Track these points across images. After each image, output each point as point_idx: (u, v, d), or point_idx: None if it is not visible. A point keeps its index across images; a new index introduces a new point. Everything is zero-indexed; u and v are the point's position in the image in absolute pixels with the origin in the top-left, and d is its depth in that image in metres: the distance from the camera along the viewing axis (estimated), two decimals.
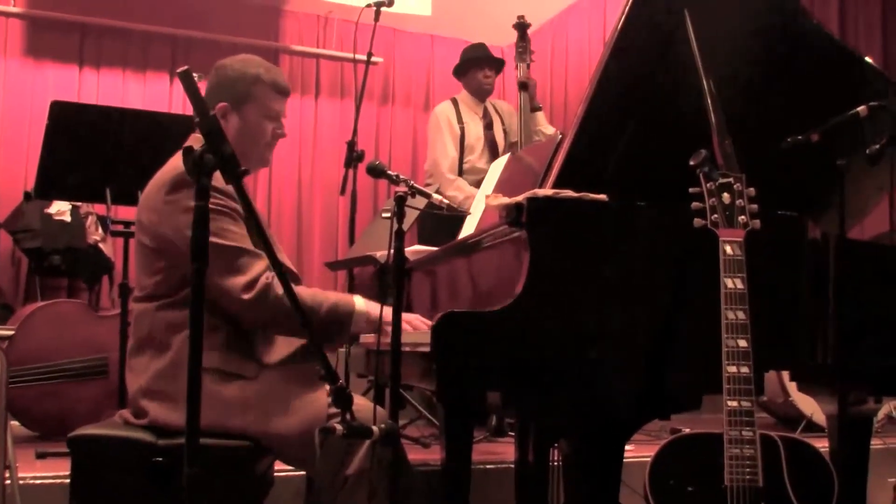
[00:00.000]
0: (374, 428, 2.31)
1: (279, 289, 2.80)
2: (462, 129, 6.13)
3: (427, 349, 2.55)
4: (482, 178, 5.77)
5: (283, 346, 3.00)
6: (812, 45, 3.27)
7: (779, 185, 2.83)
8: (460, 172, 6.08)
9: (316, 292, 2.95)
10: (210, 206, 2.71)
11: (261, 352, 2.93)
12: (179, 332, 2.82)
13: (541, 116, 6.14)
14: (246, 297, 2.79)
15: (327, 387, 2.85)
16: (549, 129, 6.12)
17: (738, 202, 2.59)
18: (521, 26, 6.20)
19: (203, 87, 2.81)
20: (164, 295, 2.89)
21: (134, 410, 2.89)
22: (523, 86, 6.04)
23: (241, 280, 2.80)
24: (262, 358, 2.92)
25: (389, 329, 2.81)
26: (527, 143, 5.92)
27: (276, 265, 2.21)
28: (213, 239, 2.73)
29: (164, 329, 2.87)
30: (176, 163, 2.91)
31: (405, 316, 2.90)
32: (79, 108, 5.13)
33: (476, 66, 6.26)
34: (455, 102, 6.29)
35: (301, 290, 2.87)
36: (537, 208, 2.61)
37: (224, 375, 2.83)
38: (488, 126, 6.20)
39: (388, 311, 2.88)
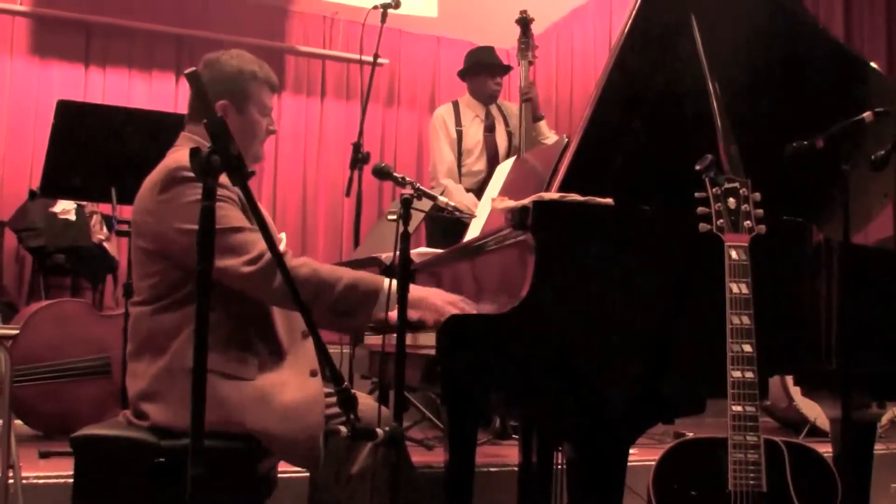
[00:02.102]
0: (379, 430, 2.30)
1: (294, 261, 2.80)
2: (459, 133, 6.11)
3: (432, 352, 2.55)
4: (479, 181, 5.81)
5: (285, 348, 3.00)
6: (817, 50, 3.27)
7: (784, 191, 2.84)
8: (459, 176, 6.07)
9: (336, 268, 2.92)
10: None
11: (260, 353, 2.93)
12: (177, 334, 2.82)
13: (543, 126, 6.13)
14: (247, 270, 2.75)
15: (322, 382, 2.87)
16: (552, 138, 6.10)
17: (744, 207, 2.59)
18: (524, 21, 6.13)
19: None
20: (161, 297, 2.88)
21: (134, 413, 2.89)
22: (527, 98, 6.03)
23: (242, 258, 2.76)
24: (261, 359, 2.92)
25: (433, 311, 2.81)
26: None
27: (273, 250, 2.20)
28: None
29: (162, 332, 2.86)
30: (166, 162, 2.92)
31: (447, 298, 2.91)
32: (84, 108, 5.16)
33: (487, 72, 6.23)
34: (455, 105, 6.27)
35: (322, 266, 2.87)
36: (543, 211, 2.61)
37: (222, 376, 2.82)
38: (489, 128, 6.18)
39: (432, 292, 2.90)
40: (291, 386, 2.86)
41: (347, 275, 2.87)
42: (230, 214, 2.81)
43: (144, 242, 2.91)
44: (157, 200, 2.85)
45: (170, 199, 2.81)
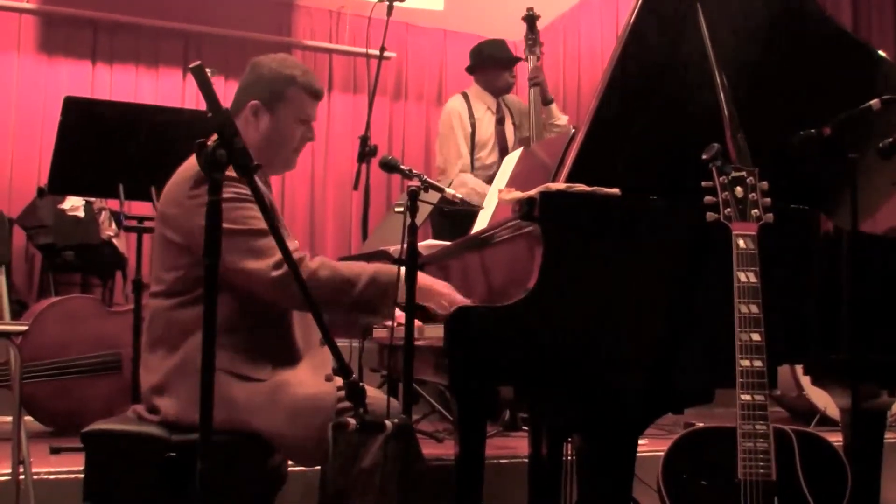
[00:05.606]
0: (388, 422, 2.30)
1: (312, 264, 2.81)
2: (473, 125, 6.09)
3: (440, 343, 2.55)
4: (492, 174, 5.79)
5: (301, 354, 3.00)
6: (823, 38, 3.26)
7: (791, 179, 2.83)
8: (472, 170, 6.05)
9: (353, 265, 2.92)
10: (233, 195, 2.74)
11: (275, 356, 2.93)
12: (193, 331, 2.81)
13: (554, 108, 6.11)
14: (276, 274, 2.74)
15: (337, 384, 2.87)
16: (563, 119, 6.11)
17: (751, 196, 2.59)
18: (531, 18, 6.14)
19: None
20: (182, 292, 2.88)
21: (147, 407, 2.90)
22: (535, 82, 6.02)
23: (269, 261, 2.76)
24: (276, 363, 2.92)
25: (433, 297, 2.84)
26: (539, 138, 5.90)
27: (287, 255, 2.20)
28: (237, 226, 2.75)
29: (179, 328, 2.86)
30: None
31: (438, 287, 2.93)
32: (92, 104, 5.15)
33: (503, 65, 6.21)
34: (466, 97, 6.23)
35: (340, 264, 2.88)
36: (550, 202, 2.61)
37: (236, 377, 2.82)
38: (500, 121, 6.15)
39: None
40: (302, 385, 2.86)
41: (366, 270, 2.87)
42: (257, 216, 2.80)
43: (171, 234, 2.91)
44: (188, 195, 2.85)
45: (200, 194, 2.79)
